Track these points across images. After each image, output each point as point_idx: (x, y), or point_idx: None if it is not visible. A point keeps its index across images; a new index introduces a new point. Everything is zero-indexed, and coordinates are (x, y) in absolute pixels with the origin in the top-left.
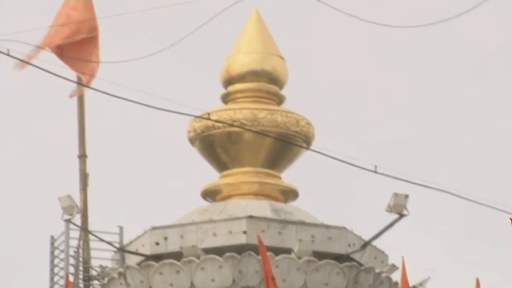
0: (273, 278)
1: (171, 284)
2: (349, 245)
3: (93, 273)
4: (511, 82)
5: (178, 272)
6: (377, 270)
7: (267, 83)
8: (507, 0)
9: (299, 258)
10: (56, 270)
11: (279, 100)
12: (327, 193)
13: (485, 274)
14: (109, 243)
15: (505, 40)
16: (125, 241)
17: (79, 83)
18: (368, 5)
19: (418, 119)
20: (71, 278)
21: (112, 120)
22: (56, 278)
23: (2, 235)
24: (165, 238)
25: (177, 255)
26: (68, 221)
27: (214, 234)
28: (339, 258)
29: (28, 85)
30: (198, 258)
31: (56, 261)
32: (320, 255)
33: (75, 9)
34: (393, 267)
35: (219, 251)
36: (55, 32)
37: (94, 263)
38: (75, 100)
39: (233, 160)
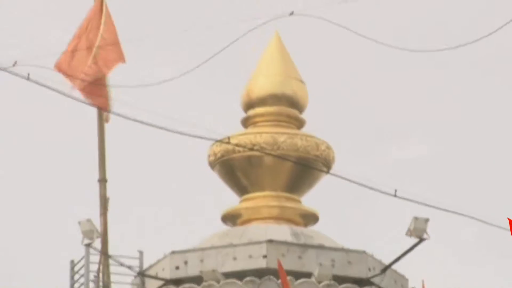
0: None
1: None
2: (369, 269)
3: None
4: None
5: None
6: None
7: (287, 107)
8: None
9: (320, 282)
10: None
11: (299, 124)
12: (347, 216)
13: None
14: (129, 267)
15: None
16: (145, 266)
17: (102, 109)
18: (387, 28)
19: (436, 138)
20: None
21: (133, 144)
22: None
23: (21, 260)
24: (185, 262)
25: (197, 279)
26: (88, 245)
27: (234, 258)
28: (359, 282)
29: (48, 109)
30: (218, 282)
31: (76, 285)
32: (340, 279)
33: (108, 33)
34: None
35: (239, 275)
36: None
37: (114, 287)
38: (95, 123)
39: (253, 184)
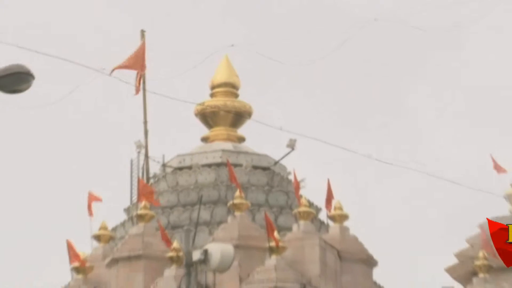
0: (234, 178)
1: (186, 180)
2: (269, 163)
3: (151, 175)
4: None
5: (190, 175)
6: (281, 174)
7: (231, 88)
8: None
9: (246, 168)
10: (133, 175)
11: (236, 96)
12: (259, 138)
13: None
14: (158, 162)
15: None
16: (166, 160)
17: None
18: (294, 50)
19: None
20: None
21: (163, 106)
22: (133, 180)
23: (103, 163)
24: (184, 159)
25: (190, 167)
26: (139, 152)
27: (207, 157)
28: (264, 168)
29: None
30: (199, 169)
31: (133, 171)
32: (256, 167)
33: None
34: (290, 173)
35: (209, 166)
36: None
37: (151, 171)
38: (141, 94)
39: (215, 124)
